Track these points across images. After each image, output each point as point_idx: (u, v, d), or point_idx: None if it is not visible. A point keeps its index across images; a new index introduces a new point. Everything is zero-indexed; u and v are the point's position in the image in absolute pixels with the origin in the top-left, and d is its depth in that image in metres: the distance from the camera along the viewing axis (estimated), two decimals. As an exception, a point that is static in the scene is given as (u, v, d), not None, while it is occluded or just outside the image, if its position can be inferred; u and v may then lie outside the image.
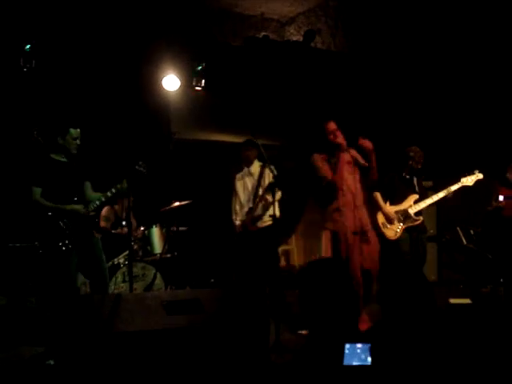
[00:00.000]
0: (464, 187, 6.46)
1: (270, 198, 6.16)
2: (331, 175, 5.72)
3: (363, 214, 5.77)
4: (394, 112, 8.86)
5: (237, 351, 3.67)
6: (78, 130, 5.30)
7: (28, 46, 6.62)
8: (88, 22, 7.36)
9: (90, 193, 5.44)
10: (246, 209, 6.68)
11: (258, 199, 6.53)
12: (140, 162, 5.45)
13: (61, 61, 7.15)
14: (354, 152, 5.88)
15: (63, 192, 5.21)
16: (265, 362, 3.82)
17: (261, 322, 3.97)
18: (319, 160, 5.86)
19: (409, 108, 8.80)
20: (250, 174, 6.71)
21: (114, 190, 5.34)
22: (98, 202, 5.35)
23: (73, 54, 7.22)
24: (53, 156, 5.30)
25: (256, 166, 6.68)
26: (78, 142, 5.28)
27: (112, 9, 7.50)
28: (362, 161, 5.83)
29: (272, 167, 6.01)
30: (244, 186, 6.73)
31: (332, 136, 5.77)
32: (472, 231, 7.94)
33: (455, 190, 6.48)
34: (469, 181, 6.44)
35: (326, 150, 5.85)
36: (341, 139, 5.79)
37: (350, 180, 5.73)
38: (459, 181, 6.47)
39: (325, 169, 5.78)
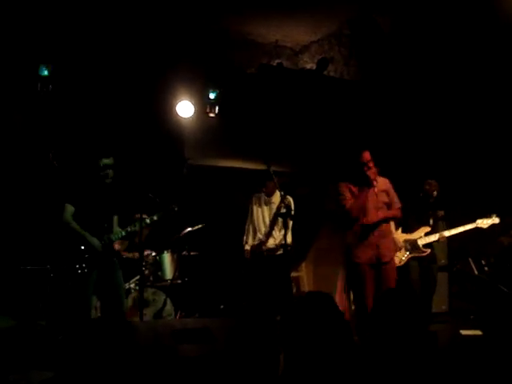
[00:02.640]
0: (477, 228, 6.52)
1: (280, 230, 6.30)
2: (350, 205, 5.72)
3: (384, 245, 5.72)
4: (408, 141, 8.87)
5: (246, 381, 3.66)
6: (112, 158, 5.32)
7: (45, 72, 6.70)
8: (104, 48, 7.45)
9: (116, 227, 5.48)
10: (258, 236, 6.70)
11: (274, 228, 6.60)
12: (173, 205, 5.52)
13: (77, 87, 7.24)
14: (385, 182, 5.89)
15: (92, 218, 5.23)
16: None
17: (270, 351, 3.96)
18: (344, 188, 5.87)
19: (423, 138, 8.80)
20: (270, 203, 6.76)
21: (144, 224, 5.38)
22: (123, 233, 5.39)
23: (88, 79, 7.31)
24: (90, 181, 5.33)
25: (277, 196, 6.72)
26: (110, 172, 5.29)
27: (128, 35, 7.59)
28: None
29: (289, 199, 6.19)
30: (262, 213, 6.77)
31: (366, 167, 5.73)
32: (483, 261, 7.90)
33: (467, 230, 6.56)
34: (484, 223, 6.60)
35: (353, 179, 5.84)
36: (372, 172, 5.73)
37: (373, 213, 5.72)
38: (474, 222, 6.61)
39: (347, 198, 5.78)
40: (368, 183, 5.66)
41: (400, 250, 6.63)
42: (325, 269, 8.20)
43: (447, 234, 6.68)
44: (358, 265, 5.69)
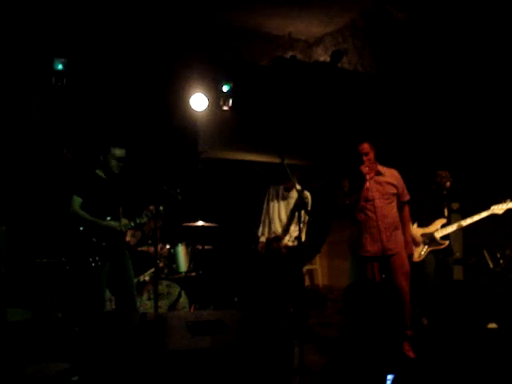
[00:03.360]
0: (493, 215, 6.44)
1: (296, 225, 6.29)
2: (349, 201, 5.72)
3: (391, 237, 5.66)
4: (422, 133, 8.82)
5: (261, 373, 3.66)
6: (123, 150, 5.33)
7: (60, 66, 6.73)
8: (118, 41, 7.47)
9: (122, 219, 5.48)
10: (273, 230, 6.70)
11: (291, 224, 6.59)
12: (178, 190, 5.50)
13: (91, 80, 7.27)
14: (393, 173, 5.83)
15: (101, 208, 5.25)
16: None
17: (285, 343, 3.96)
18: (345, 183, 5.88)
19: (437, 129, 8.76)
20: (288, 198, 6.73)
21: (149, 215, 5.38)
22: (132, 224, 5.39)
23: (102, 73, 7.33)
24: (97, 172, 5.35)
25: (295, 192, 6.72)
26: (120, 162, 5.30)
27: (142, 29, 7.60)
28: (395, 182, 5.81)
29: (307, 195, 6.22)
30: (278, 208, 6.74)
31: (364, 159, 5.70)
32: (498, 254, 7.85)
33: (483, 218, 6.47)
34: (499, 208, 6.43)
35: (355, 171, 5.81)
36: (370, 164, 5.71)
37: (379, 202, 5.69)
38: (489, 208, 6.48)
39: (347, 193, 5.79)
40: (367, 173, 5.69)
41: (419, 245, 6.57)
42: (339, 261, 8.21)
43: (464, 223, 6.54)
44: (363, 258, 5.69)
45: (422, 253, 6.56)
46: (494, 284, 7.82)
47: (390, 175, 5.77)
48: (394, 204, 5.74)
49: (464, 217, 6.80)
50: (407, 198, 5.82)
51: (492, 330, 6.40)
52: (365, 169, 5.66)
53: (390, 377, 2.46)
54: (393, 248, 5.64)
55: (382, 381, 2.48)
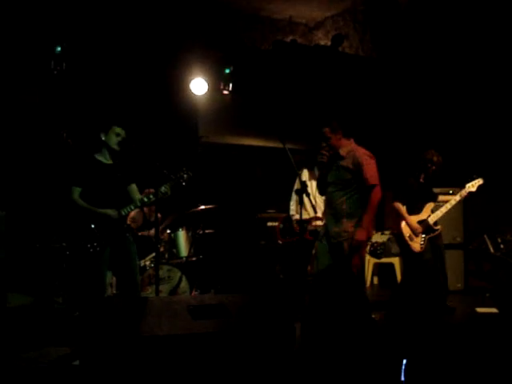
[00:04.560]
0: (470, 193, 6.42)
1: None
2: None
3: (333, 224, 5.37)
4: (418, 117, 8.81)
5: (262, 356, 3.67)
6: (123, 130, 5.27)
7: (58, 49, 6.69)
8: (118, 26, 7.42)
9: (136, 195, 5.41)
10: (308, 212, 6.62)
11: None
12: (184, 169, 5.39)
13: (90, 64, 7.23)
14: (354, 157, 5.39)
15: (102, 194, 5.21)
16: (291, 367, 3.81)
17: (286, 327, 3.96)
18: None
19: (432, 113, 8.74)
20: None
21: (151, 197, 5.30)
22: (132, 207, 5.34)
23: (102, 58, 7.29)
24: (96, 156, 5.30)
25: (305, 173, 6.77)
26: (120, 139, 5.24)
27: (141, 13, 7.55)
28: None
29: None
30: (311, 188, 6.65)
31: (323, 144, 5.52)
32: (499, 239, 7.85)
33: (464, 196, 6.45)
34: (472, 186, 6.40)
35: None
36: (329, 149, 5.46)
37: (330, 188, 5.48)
38: (464, 187, 6.44)
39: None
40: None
41: (418, 235, 6.40)
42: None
43: (449, 206, 6.42)
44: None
45: (422, 242, 6.37)
46: (494, 269, 7.83)
47: (350, 158, 5.38)
48: (348, 191, 5.35)
49: (466, 200, 6.70)
50: (370, 182, 5.30)
51: (492, 314, 6.42)
52: (319, 158, 5.44)
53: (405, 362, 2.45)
54: (336, 235, 5.36)
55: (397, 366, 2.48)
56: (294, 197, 6.78)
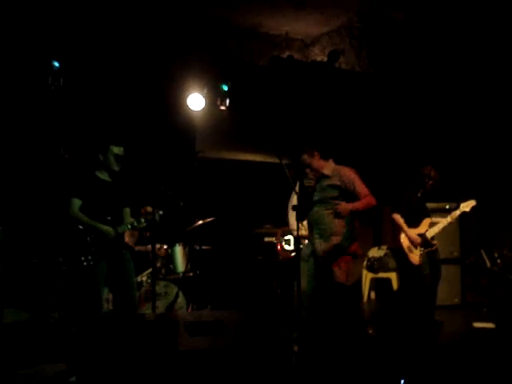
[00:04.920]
0: (464, 213, 6.55)
1: None
2: None
3: (320, 244, 5.43)
4: (414, 132, 8.84)
5: (259, 373, 3.66)
6: (122, 148, 5.30)
7: (56, 65, 6.71)
8: (115, 41, 7.45)
9: (127, 219, 5.47)
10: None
11: None
12: (180, 197, 5.47)
13: (88, 80, 7.25)
14: (339, 175, 5.48)
15: (100, 210, 5.23)
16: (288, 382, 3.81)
17: (283, 344, 3.96)
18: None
19: (428, 129, 8.77)
20: None
21: (143, 221, 5.35)
22: (129, 226, 5.37)
23: (99, 73, 7.32)
24: (97, 174, 5.33)
25: None
26: (119, 159, 5.27)
27: (139, 29, 7.58)
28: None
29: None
30: None
31: (307, 170, 5.65)
32: (496, 254, 7.86)
33: (458, 216, 6.59)
34: (466, 206, 6.51)
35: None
36: (314, 172, 5.60)
37: (316, 208, 5.56)
38: (459, 206, 6.57)
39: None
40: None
41: (417, 247, 6.48)
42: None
43: (446, 222, 6.56)
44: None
45: (421, 253, 6.47)
46: (491, 283, 7.83)
47: (337, 176, 5.48)
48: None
49: (462, 215, 6.79)
50: (363, 195, 5.41)
51: (489, 329, 6.42)
52: (307, 183, 5.57)
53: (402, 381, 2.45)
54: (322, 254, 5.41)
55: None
56: (293, 213, 6.79)
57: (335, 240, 5.35)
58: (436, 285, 6.52)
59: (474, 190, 7.75)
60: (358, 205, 5.40)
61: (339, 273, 5.30)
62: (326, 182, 5.50)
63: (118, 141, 5.31)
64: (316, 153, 5.59)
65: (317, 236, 5.43)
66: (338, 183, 5.43)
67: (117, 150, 5.26)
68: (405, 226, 6.50)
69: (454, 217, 6.55)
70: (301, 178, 5.75)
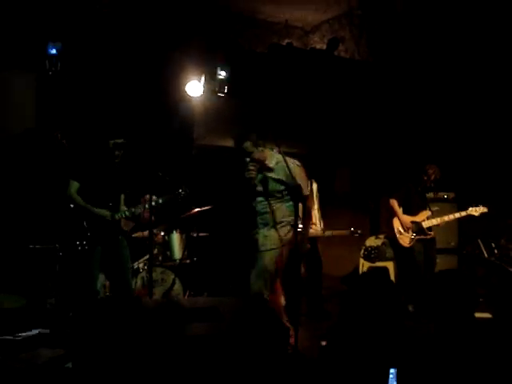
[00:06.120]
0: (470, 216, 6.91)
1: None
2: None
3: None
4: (414, 122, 8.82)
5: (254, 360, 3.65)
6: (122, 140, 5.28)
7: (54, 50, 6.67)
8: (114, 26, 7.42)
9: (122, 206, 5.48)
10: None
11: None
12: (183, 187, 5.46)
13: (86, 66, 7.22)
14: (283, 169, 5.13)
15: (98, 194, 5.24)
16: (284, 371, 3.80)
17: (279, 331, 3.95)
18: None
19: (430, 120, 8.74)
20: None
21: (145, 207, 5.36)
22: (127, 213, 5.37)
23: (97, 59, 7.28)
24: (95, 157, 5.32)
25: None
26: (118, 152, 5.27)
27: (137, 15, 7.55)
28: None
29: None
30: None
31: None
32: (493, 244, 7.87)
33: (461, 217, 6.97)
34: (475, 211, 6.87)
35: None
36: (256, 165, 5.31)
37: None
38: (467, 209, 6.90)
39: None
40: None
41: (408, 231, 6.82)
42: (336, 249, 8.14)
43: (446, 218, 6.90)
44: None
45: (412, 237, 6.83)
46: (488, 273, 7.84)
47: (282, 170, 5.17)
48: (279, 201, 5.23)
49: (459, 206, 6.95)
50: (304, 193, 5.20)
51: (486, 319, 6.42)
52: (247, 175, 5.31)
53: (392, 370, 2.43)
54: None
55: (384, 374, 2.46)
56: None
57: (280, 231, 5.21)
58: (431, 274, 6.66)
59: (473, 180, 7.76)
60: (306, 222, 5.29)
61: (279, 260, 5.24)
62: (269, 175, 5.25)
63: (118, 132, 5.30)
64: (261, 142, 5.31)
65: (261, 226, 5.26)
66: (283, 178, 5.17)
67: (118, 141, 5.26)
68: (398, 210, 6.85)
69: (460, 215, 6.90)
70: (242, 169, 5.43)
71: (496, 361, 2.84)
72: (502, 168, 8.09)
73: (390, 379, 2.45)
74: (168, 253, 6.98)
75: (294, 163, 5.22)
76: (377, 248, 7.79)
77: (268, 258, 5.18)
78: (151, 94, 7.74)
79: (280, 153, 5.25)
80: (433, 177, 6.82)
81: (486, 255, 7.86)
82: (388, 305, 2.66)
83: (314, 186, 6.79)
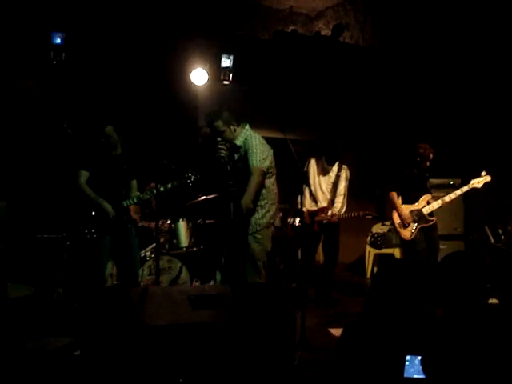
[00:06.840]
0: (473, 189, 6.56)
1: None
2: None
3: None
4: (420, 108, 8.78)
5: (262, 347, 3.66)
6: (110, 127, 5.26)
7: (58, 40, 6.67)
8: (117, 15, 7.39)
9: (134, 192, 5.47)
10: (318, 201, 6.78)
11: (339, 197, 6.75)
12: (193, 171, 5.43)
13: (90, 55, 7.20)
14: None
15: (107, 183, 5.25)
16: (291, 359, 3.81)
17: (287, 318, 3.95)
18: None
19: (436, 106, 8.71)
20: (330, 172, 6.77)
21: (152, 193, 5.35)
22: (135, 200, 5.38)
23: (101, 48, 7.27)
24: (103, 146, 5.33)
25: (336, 166, 6.84)
26: (114, 139, 5.27)
27: (142, 4, 7.52)
28: None
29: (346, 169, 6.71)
30: (319, 182, 6.77)
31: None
32: (500, 230, 7.86)
33: (466, 192, 6.61)
34: (477, 182, 6.54)
35: None
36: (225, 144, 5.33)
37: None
38: (469, 182, 6.59)
39: None
40: None
41: (409, 224, 6.62)
42: (347, 237, 8.12)
43: (448, 199, 6.63)
44: None
45: (413, 230, 6.63)
46: (495, 260, 7.83)
47: (247, 147, 5.18)
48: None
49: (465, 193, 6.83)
50: (252, 171, 5.13)
51: (493, 305, 6.41)
52: (217, 154, 5.32)
53: (408, 357, 2.43)
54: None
55: (400, 362, 2.46)
56: (306, 192, 6.88)
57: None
58: (434, 260, 6.58)
59: (478, 166, 7.71)
60: (250, 190, 5.12)
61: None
62: (237, 155, 5.26)
63: (118, 118, 5.31)
64: (232, 121, 5.24)
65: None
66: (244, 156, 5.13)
67: (107, 130, 5.24)
68: (398, 204, 6.68)
69: (462, 191, 6.59)
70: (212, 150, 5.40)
71: (504, 348, 2.83)
72: (509, 154, 8.06)
73: (406, 366, 2.45)
74: (175, 241, 7.00)
75: (259, 139, 5.19)
76: (383, 235, 7.78)
77: (253, 241, 5.36)
78: (156, 82, 7.73)
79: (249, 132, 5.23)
80: (425, 155, 6.57)
81: (492, 241, 7.85)
82: (412, 293, 2.64)
83: (345, 172, 6.84)
